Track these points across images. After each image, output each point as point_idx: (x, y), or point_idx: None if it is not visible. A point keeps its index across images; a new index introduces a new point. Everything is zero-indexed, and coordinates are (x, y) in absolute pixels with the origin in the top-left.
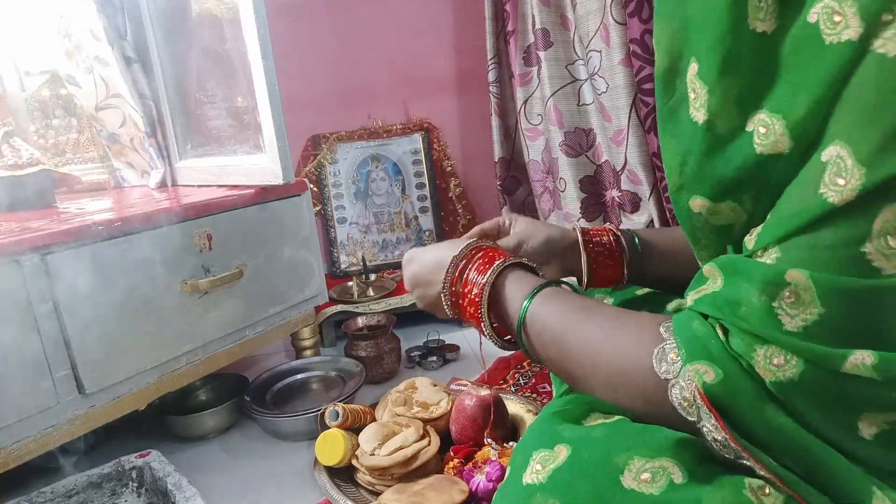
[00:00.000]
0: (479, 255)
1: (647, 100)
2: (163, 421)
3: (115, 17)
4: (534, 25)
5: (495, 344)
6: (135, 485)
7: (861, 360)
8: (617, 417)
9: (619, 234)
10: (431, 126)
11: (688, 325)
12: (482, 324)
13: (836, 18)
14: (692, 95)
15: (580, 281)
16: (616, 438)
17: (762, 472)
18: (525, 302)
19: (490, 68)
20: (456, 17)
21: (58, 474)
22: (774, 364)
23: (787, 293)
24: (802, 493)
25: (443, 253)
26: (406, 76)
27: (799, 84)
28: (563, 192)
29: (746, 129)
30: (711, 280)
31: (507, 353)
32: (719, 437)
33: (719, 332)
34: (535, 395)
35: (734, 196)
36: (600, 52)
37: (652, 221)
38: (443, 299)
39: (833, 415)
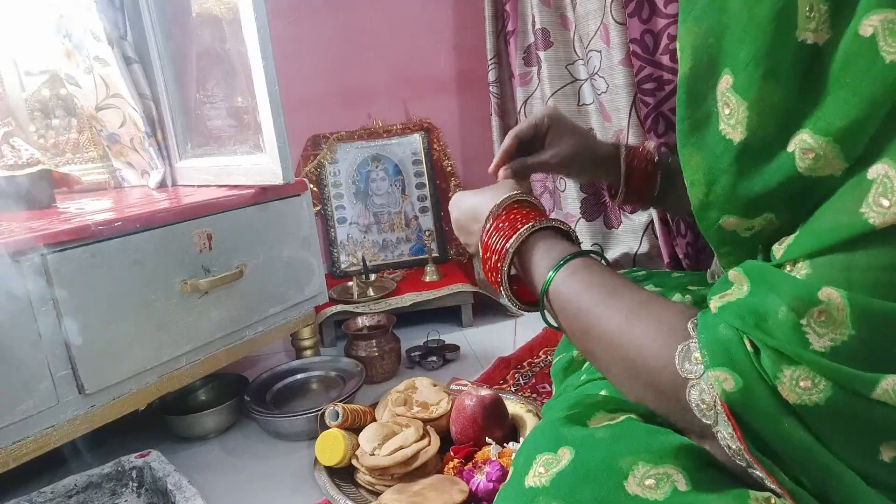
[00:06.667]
0: (514, 214)
1: (646, 100)
2: (163, 421)
3: (115, 17)
4: (534, 25)
5: (515, 307)
6: (135, 485)
7: (892, 385)
8: (622, 418)
9: (657, 154)
10: (431, 126)
11: (713, 327)
12: (501, 289)
13: None
14: (725, 111)
15: (614, 192)
16: (620, 442)
17: (772, 486)
18: (550, 273)
19: (490, 68)
20: (456, 17)
21: (58, 474)
22: (801, 387)
23: (818, 312)
24: None
25: (480, 202)
26: (406, 76)
27: (850, 101)
28: (563, 192)
29: (787, 149)
30: (737, 286)
31: (507, 354)
32: (733, 446)
33: (747, 344)
34: (535, 395)
35: (771, 209)
36: (600, 52)
37: (652, 221)
38: (477, 258)
39: (855, 439)
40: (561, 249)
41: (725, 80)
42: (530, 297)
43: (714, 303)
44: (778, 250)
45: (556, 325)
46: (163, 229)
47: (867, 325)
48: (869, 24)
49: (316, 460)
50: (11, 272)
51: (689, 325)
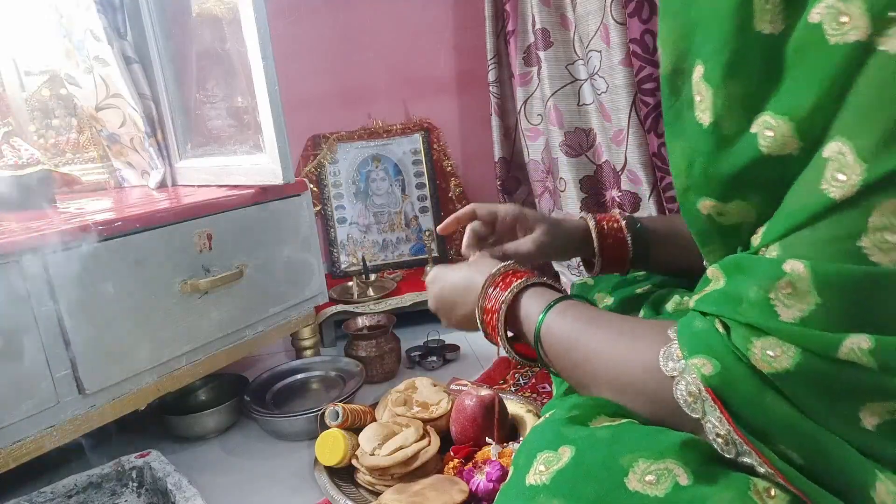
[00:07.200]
0: (510, 277)
1: (646, 100)
2: (163, 421)
3: (115, 17)
4: (534, 25)
5: (513, 359)
6: (135, 485)
7: (857, 344)
8: (623, 420)
9: (625, 220)
10: (431, 126)
11: (690, 324)
12: (499, 341)
13: (843, 19)
14: (697, 98)
15: (592, 266)
16: (621, 440)
17: (765, 468)
18: (540, 315)
19: (490, 68)
20: (456, 17)
21: (58, 474)
22: (770, 355)
23: (784, 284)
24: (805, 489)
25: (475, 274)
26: (406, 76)
27: (804, 84)
28: (563, 192)
29: (751, 130)
30: (714, 281)
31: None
32: (723, 432)
33: (719, 326)
34: (535, 395)
35: (742, 195)
36: (600, 52)
37: None
38: (477, 321)
39: (834, 405)
40: (548, 296)
41: (698, 71)
42: (529, 354)
43: (693, 300)
44: (755, 239)
45: (551, 367)
46: (163, 229)
47: (831, 291)
48: (817, 11)
49: (316, 460)
50: (11, 272)
51: (671, 331)
